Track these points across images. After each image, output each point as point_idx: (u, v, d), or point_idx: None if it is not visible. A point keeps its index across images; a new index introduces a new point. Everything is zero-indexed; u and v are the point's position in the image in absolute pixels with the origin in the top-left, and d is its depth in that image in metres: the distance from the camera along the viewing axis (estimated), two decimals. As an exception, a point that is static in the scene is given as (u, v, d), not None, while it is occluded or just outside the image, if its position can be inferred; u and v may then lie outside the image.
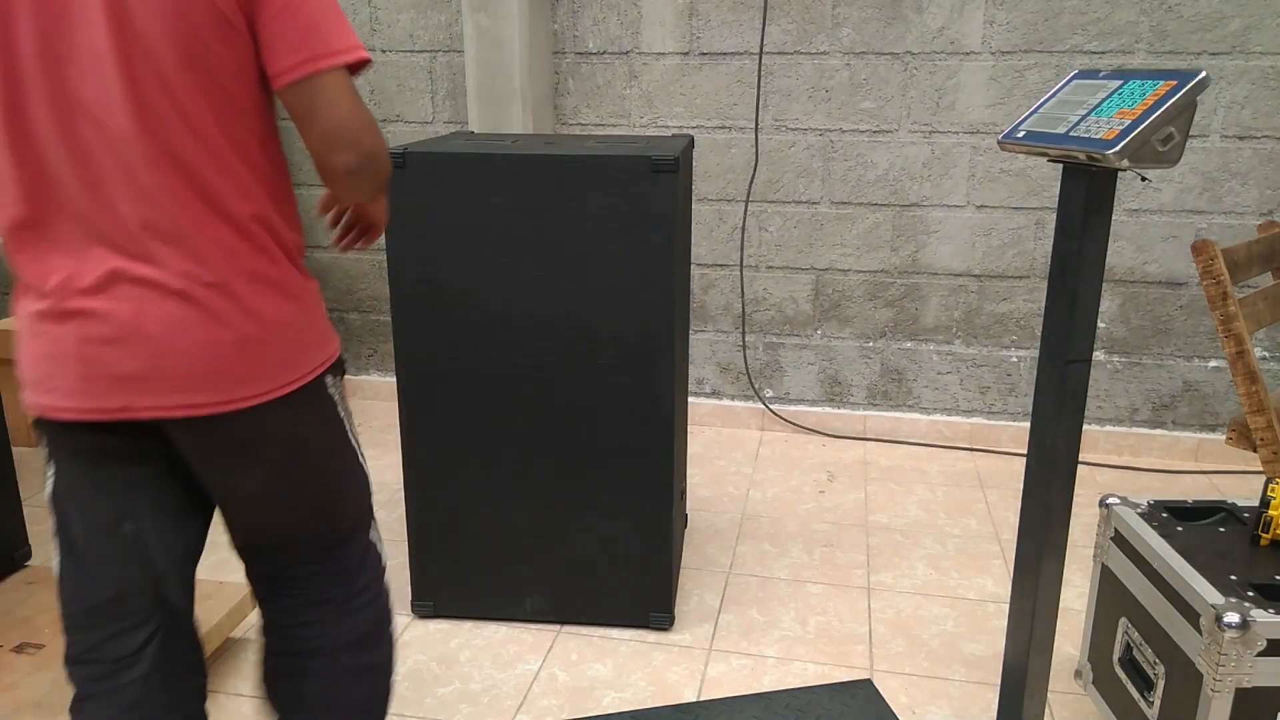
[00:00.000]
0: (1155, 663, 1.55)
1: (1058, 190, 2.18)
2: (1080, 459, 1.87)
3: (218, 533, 2.76)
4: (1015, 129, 1.41)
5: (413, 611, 2.19)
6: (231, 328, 1.15)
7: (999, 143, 1.43)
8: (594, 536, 2.11)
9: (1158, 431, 3.10)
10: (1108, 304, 3.04)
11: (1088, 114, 1.30)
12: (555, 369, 2.01)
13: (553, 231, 1.93)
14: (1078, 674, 1.84)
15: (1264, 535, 1.60)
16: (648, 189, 1.88)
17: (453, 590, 2.18)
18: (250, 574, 1.42)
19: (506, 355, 2.01)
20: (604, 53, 3.14)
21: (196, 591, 1.37)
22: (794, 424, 3.32)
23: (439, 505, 2.12)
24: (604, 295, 1.96)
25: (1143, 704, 1.58)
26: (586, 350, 2.00)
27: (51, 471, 1.26)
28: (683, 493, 2.39)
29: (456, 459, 2.09)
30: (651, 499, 2.07)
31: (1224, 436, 3.06)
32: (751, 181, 3.15)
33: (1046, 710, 1.86)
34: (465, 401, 2.05)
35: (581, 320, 1.98)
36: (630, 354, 1.99)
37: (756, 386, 3.34)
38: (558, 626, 2.17)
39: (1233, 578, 1.48)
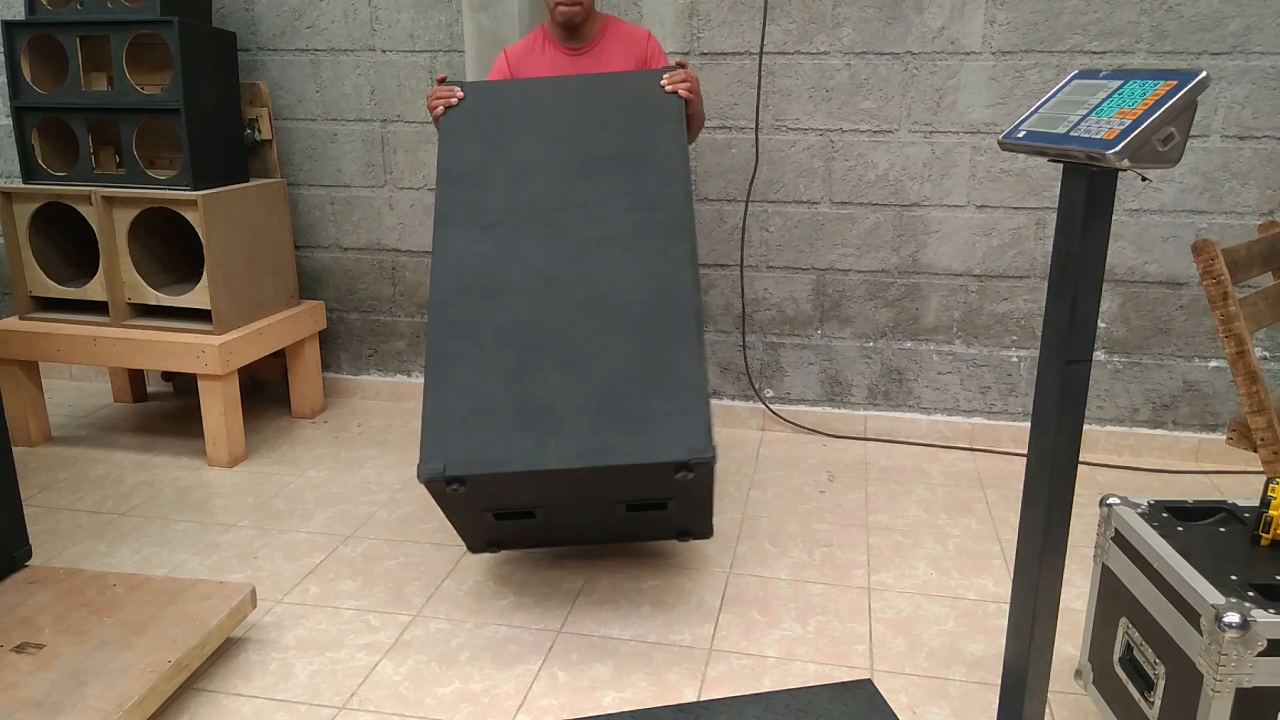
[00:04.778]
0: (1155, 663, 1.55)
1: (1058, 190, 2.17)
2: (1080, 459, 1.87)
3: (218, 532, 2.78)
4: (1015, 129, 1.41)
5: (420, 478, 1.91)
6: None
7: (999, 143, 1.43)
8: (618, 371, 2.01)
9: (1158, 431, 3.10)
10: (1108, 304, 3.04)
11: (1088, 114, 1.30)
12: (578, 225, 2.22)
13: (581, 132, 2.31)
14: (1078, 674, 1.84)
15: (1264, 535, 1.60)
16: (659, 93, 2.35)
17: (467, 443, 1.94)
18: None
19: (535, 217, 2.23)
20: (604, 53, 3.14)
21: (197, 591, 1.37)
22: (794, 424, 3.32)
23: (458, 353, 2.05)
24: (627, 174, 2.26)
25: (1143, 704, 1.58)
26: (610, 203, 2.23)
27: None
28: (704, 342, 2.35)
29: (477, 295, 2.12)
30: (679, 325, 2.04)
31: (1224, 436, 3.06)
32: (752, 181, 3.15)
33: (1046, 710, 1.86)
34: (490, 245, 2.19)
35: (609, 181, 2.25)
36: (647, 206, 2.21)
37: (757, 386, 3.34)
38: (558, 626, 2.18)
39: (1233, 578, 1.48)
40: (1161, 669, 1.53)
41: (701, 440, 1.92)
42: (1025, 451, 2.18)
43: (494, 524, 2.12)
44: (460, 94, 2.37)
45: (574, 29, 2.49)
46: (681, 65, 2.39)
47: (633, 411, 1.96)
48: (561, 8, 2.41)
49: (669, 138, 2.29)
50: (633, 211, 2.20)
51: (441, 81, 2.38)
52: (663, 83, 2.36)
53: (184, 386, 3.78)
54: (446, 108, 2.35)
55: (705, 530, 2.26)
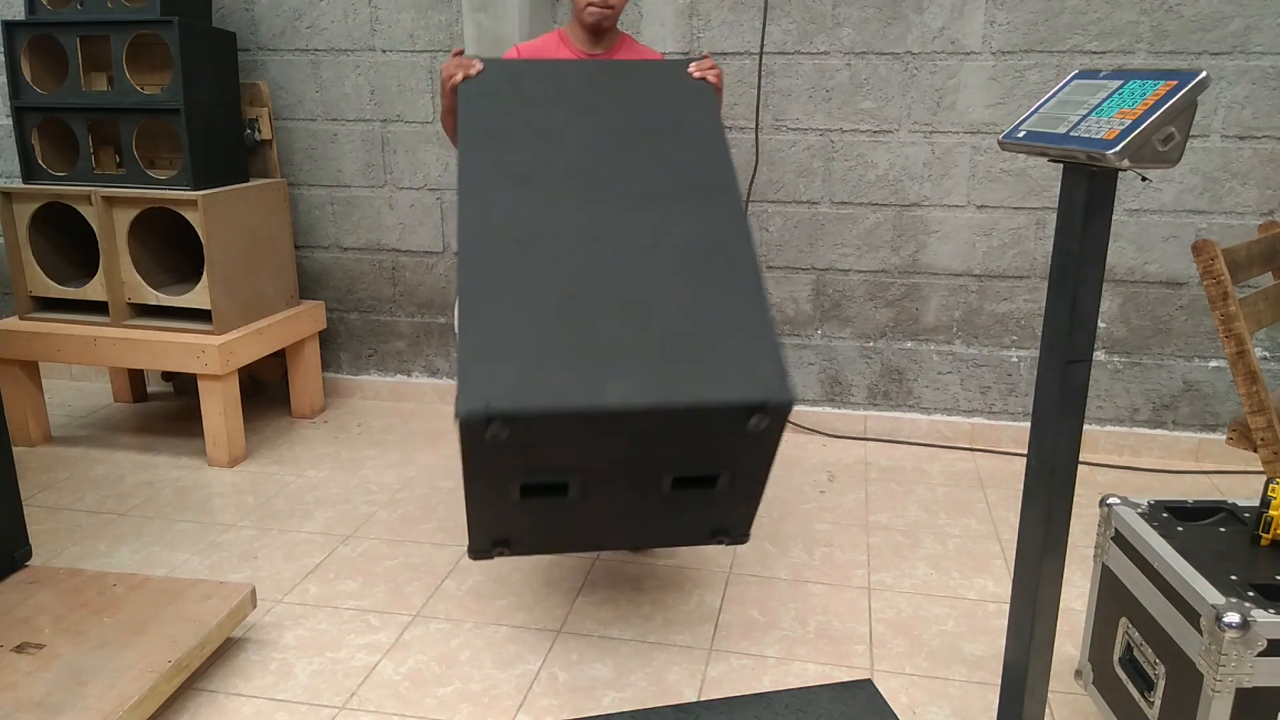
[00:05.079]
0: (1155, 663, 1.55)
1: (1058, 190, 2.17)
2: (1080, 459, 1.87)
3: (218, 532, 2.77)
4: (1015, 129, 1.41)
5: (457, 415, 1.62)
6: None
7: (999, 143, 1.43)
8: (678, 317, 1.83)
9: (1158, 431, 3.10)
10: (1108, 304, 3.04)
11: (1088, 114, 1.31)
12: (617, 184, 2.04)
13: (612, 106, 2.19)
14: (1078, 674, 1.84)
15: (1264, 535, 1.60)
16: (688, 77, 2.26)
17: (516, 378, 1.70)
18: None
19: (569, 175, 2.05)
20: (604, 53, 3.14)
21: (197, 591, 1.37)
22: (794, 424, 3.32)
23: (497, 297, 1.82)
24: (664, 142, 2.12)
25: (1143, 704, 1.58)
26: (649, 166, 2.09)
27: None
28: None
29: (512, 244, 1.89)
30: (738, 271, 1.89)
31: (1224, 436, 3.06)
32: (752, 181, 3.15)
33: (1046, 710, 1.86)
34: (522, 198, 1.98)
35: (646, 147, 2.12)
36: (689, 169, 2.08)
37: (757, 386, 3.34)
38: (558, 626, 2.17)
39: (1233, 578, 1.48)
40: (1161, 669, 1.53)
41: (778, 382, 1.73)
42: (1025, 451, 2.18)
43: (516, 504, 1.89)
44: (479, 65, 2.23)
45: (600, 34, 2.47)
46: (705, 57, 2.37)
47: (698, 355, 1.76)
48: (592, 9, 2.38)
49: (703, 114, 2.20)
50: (673, 174, 2.07)
51: (458, 55, 2.27)
52: (690, 69, 2.29)
53: (184, 386, 3.78)
54: (466, 77, 2.22)
55: (745, 527, 2.02)
